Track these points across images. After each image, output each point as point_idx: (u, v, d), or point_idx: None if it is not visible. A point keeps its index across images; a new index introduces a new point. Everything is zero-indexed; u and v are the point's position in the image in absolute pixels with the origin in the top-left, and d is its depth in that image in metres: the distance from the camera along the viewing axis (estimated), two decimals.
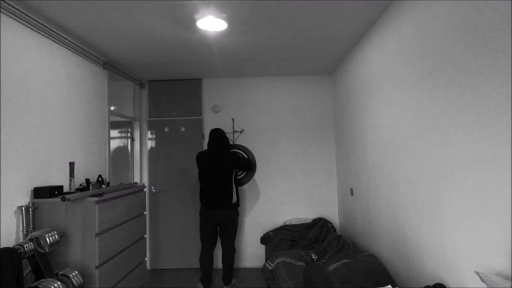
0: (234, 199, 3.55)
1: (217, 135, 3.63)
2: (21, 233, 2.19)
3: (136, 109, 4.41)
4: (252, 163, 3.95)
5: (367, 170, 3.05)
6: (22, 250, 1.92)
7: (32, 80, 2.35)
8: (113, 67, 3.58)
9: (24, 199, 2.24)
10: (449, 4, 1.68)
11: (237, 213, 3.65)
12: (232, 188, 3.55)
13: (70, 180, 2.61)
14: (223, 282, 3.65)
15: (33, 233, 2.05)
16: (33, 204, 2.26)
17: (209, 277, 3.62)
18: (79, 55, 2.97)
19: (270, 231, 3.99)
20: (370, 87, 2.92)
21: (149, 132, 4.48)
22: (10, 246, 1.99)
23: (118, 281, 2.61)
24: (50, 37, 2.55)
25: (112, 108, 3.68)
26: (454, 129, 1.68)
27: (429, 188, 1.95)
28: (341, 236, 3.45)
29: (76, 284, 2.11)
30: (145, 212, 3.80)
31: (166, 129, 4.47)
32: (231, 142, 4.46)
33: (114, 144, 4.34)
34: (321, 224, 3.89)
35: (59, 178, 2.61)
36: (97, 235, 2.32)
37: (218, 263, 4.35)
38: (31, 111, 2.33)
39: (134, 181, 4.32)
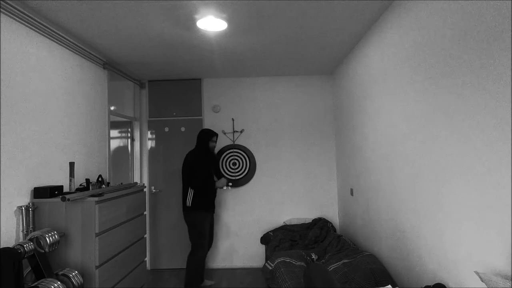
0: (188, 203, 3.40)
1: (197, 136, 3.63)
2: (21, 233, 2.19)
3: (136, 109, 4.41)
4: (194, 181, 3.40)
5: (367, 170, 3.05)
6: (22, 250, 1.92)
7: (32, 80, 2.35)
8: (113, 67, 3.59)
9: (24, 199, 2.24)
10: (449, 4, 1.68)
11: (191, 216, 3.40)
12: (187, 191, 3.45)
13: (70, 180, 2.61)
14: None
15: (33, 233, 2.05)
16: (33, 204, 2.26)
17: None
18: (79, 55, 2.97)
19: (270, 231, 3.99)
20: (370, 87, 2.92)
21: (149, 132, 4.48)
22: (10, 246, 1.99)
23: (118, 281, 2.61)
24: (50, 37, 2.55)
25: (112, 108, 3.68)
26: (454, 129, 1.68)
27: (429, 188, 1.95)
28: (341, 236, 3.45)
29: (76, 284, 2.11)
30: (145, 212, 3.80)
31: (166, 129, 4.47)
32: (231, 142, 4.46)
33: (114, 144, 4.34)
34: (321, 224, 3.89)
35: (59, 178, 2.61)
36: (97, 235, 2.32)
37: (213, 263, 4.35)
38: (31, 111, 2.33)
39: (134, 181, 4.32)
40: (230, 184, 3.84)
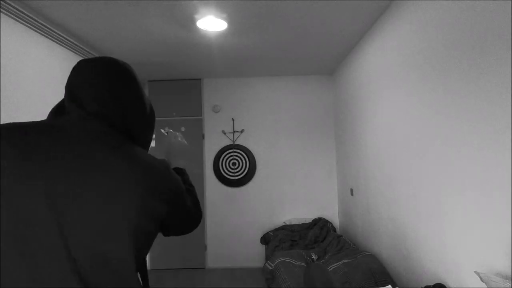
0: None
1: None
2: None
3: None
4: None
5: (367, 170, 3.05)
6: None
7: (32, 80, 2.35)
8: None
9: None
10: (449, 4, 1.68)
11: None
12: None
13: None
14: None
15: None
16: None
17: None
18: (79, 55, 2.97)
19: (270, 231, 3.99)
20: (370, 87, 2.92)
21: None
22: None
23: None
24: (50, 37, 2.55)
25: None
26: (454, 129, 1.67)
27: (429, 187, 1.95)
28: (341, 236, 3.45)
29: None
30: None
31: (166, 129, 4.46)
32: (231, 142, 4.45)
33: None
34: (321, 224, 3.89)
35: None
36: None
37: (213, 263, 4.35)
38: (31, 110, 2.33)
39: None
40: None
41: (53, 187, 0.64)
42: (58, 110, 0.85)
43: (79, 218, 0.64)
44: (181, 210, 0.87)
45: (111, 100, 0.80)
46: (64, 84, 0.86)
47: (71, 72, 0.83)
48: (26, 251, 0.60)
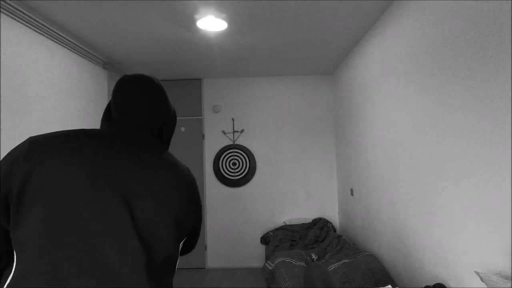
0: None
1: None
2: None
3: None
4: None
5: (367, 170, 3.05)
6: None
7: (32, 80, 2.35)
8: (113, 67, 3.58)
9: None
10: (449, 4, 1.68)
11: None
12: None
13: None
14: None
15: None
16: None
17: None
18: (79, 55, 2.97)
19: (270, 231, 3.99)
20: (370, 87, 2.92)
21: None
22: None
23: None
24: (50, 37, 2.55)
25: None
26: (454, 129, 1.68)
27: (429, 188, 1.95)
28: (341, 236, 3.45)
29: None
30: None
31: None
32: (231, 142, 4.45)
33: None
34: (321, 224, 3.89)
35: None
36: None
37: (213, 263, 4.35)
38: (31, 110, 2.33)
39: None
40: None
41: (126, 185, 0.82)
42: (107, 117, 0.99)
43: (140, 209, 0.82)
44: (197, 227, 1.03)
45: (152, 114, 1.01)
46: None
47: (116, 89, 1.00)
48: (108, 227, 0.78)
